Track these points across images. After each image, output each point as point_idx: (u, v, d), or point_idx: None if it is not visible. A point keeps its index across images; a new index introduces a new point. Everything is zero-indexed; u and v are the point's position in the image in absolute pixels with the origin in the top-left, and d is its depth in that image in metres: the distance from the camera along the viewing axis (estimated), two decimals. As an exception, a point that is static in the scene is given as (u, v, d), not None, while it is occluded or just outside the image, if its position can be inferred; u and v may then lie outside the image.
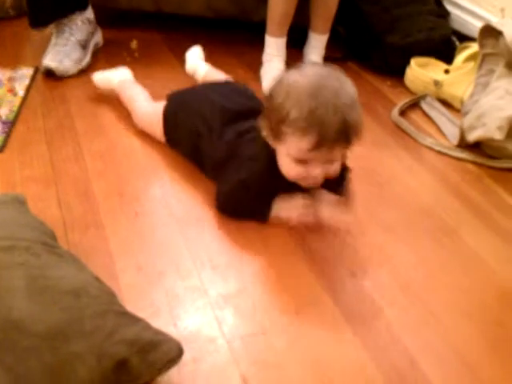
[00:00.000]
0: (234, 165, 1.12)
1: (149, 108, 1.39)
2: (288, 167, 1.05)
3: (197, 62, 1.51)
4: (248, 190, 1.09)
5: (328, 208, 1.12)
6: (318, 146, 0.97)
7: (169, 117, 1.31)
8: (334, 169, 1.05)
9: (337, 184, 1.14)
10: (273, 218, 1.12)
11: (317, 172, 1.02)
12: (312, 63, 1.02)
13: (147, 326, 0.81)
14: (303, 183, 1.07)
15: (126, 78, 1.50)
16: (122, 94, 1.47)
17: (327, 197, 1.14)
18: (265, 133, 1.06)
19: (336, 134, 0.96)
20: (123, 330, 0.76)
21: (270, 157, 1.08)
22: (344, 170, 1.15)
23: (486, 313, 0.98)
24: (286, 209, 1.11)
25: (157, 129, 1.34)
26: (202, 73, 1.49)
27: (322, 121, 0.95)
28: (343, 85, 0.99)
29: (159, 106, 1.34)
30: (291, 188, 1.11)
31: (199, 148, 1.23)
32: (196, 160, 1.27)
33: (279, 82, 1.02)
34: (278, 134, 1.01)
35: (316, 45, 1.64)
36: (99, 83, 1.53)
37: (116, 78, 1.50)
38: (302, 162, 1.02)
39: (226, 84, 1.37)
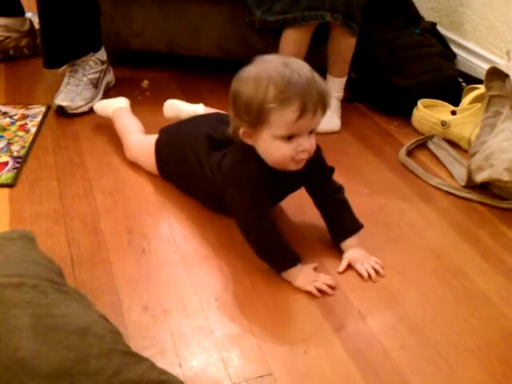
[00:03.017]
0: (224, 183, 1.12)
1: (141, 140, 1.43)
2: (277, 150, 1.04)
3: (184, 108, 1.52)
4: (246, 190, 1.08)
5: (362, 263, 1.13)
6: (303, 112, 0.99)
7: (160, 150, 1.35)
8: (314, 144, 1.07)
9: (323, 185, 1.18)
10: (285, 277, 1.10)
11: (305, 144, 1.04)
12: (266, 55, 1.06)
13: (152, 366, 0.80)
14: (291, 165, 1.06)
15: (121, 106, 1.54)
16: (116, 122, 1.51)
17: (354, 253, 1.15)
18: (241, 131, 1.06)
19: (316, 97, 1.00)
20: (128, 370, 0.76)
21: (247, 154, 1.08)
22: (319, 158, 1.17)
23: (494, 353, 0.97)
24: (303, 280, 1.09)
25: (148, 161, 1.37)
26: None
27: (300, 87, 0.99)
28: (303, 62, 1.05)
29: (150, 139, 1.37)
30: (279, 180, 1.12)
31: (190, 177, 1.26)
32: (189, 190, 1.31)
33: (240, 78, 1.04)
34: (260, 120, 1.01)
35: (333, 87, 1.66)
36: (98, 110, 1.59)
37: (112, 105, 1.55)
38: (289, 137, 1.02)
39: (213, 115, 1.40)
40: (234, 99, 1.06)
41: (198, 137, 1.24)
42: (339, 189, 1.21)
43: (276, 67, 1.01)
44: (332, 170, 1.20)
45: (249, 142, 1.07)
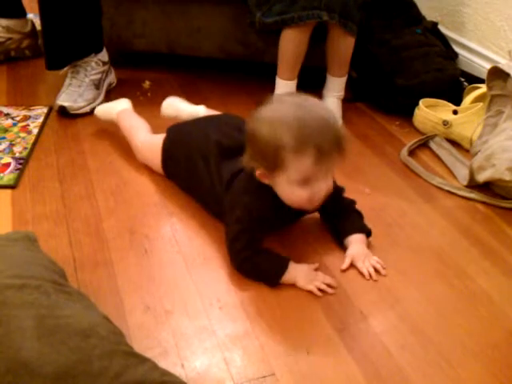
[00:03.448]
0: (231, 205, 1.13)
1: (148, 139, 1.42)
2: (293, 194, 1.05)
3: (185, 109, 1.53)
4: (247, 225, 1.09)
5: (363, 261, 1.14)
6: (319, 158, 0.99)
7: (167, 150, 1.34)
8: (331, 184, 1.08)
9: (333, 204, 1.18)
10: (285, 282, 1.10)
11: (322, 188, 1.05)
12: (282, 94, 1.04)
13: (154, 367, 0.80)
14: (308, 206, 1.08)
15: (124, 108, 1.53)
16: (122, 124, 1.50)
17: (356, 250, 1.15)
18: (258, 172, 1.07)
19: (331, 142, 1.00)
20: (130, 371, 0.76)
21: (262, 187, 1.09)
22: (338, 191, 1.20)
23: (496, 354, 0.97)
24: (304, 280, 1.09)
25: (155, 161, 1.37)
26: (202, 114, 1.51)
27: (316, 133, 0.98)
28: (319, 102, 1.05)
29: (158, 138, 1.37)
30: (291, 215, 1.14)
31: (196, 181, 1.25)
32: (193, 193, 1.30)
33: (256, 120, 1.03)
34: (276, 165, 1.02)
35: (333, 87, 1.67)
36: (100, 115, 1.57)
37: (115, 108, 1.54)
38: (305, 182, 1.03)
39: (222, 117, 1.39)
40: (250, 141, 1.05)
41: (208, 143, 1.23)
42: (350, 203, 1.22)
43: (291, 111, 1.00)
44: (342, 189, 1.22)
45: (265, 182, 1.08)
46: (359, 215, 1.22)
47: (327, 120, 1.01)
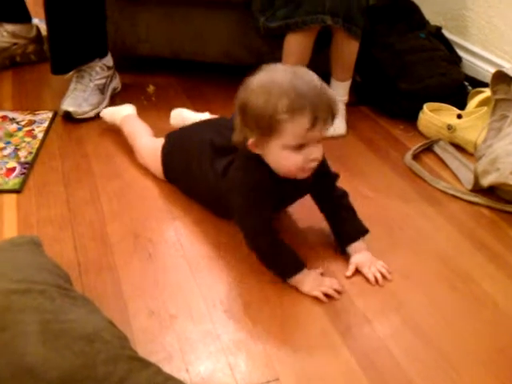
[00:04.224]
0: (228, 187, 1.13)
1: (149, 144, 1.43)
2: (286, 160, 1.05)
3: (191, 117, 1.54)
4: (248, 198, 1.09)
5: (369, 267, 1.13)
6: (314, 122, 1.00)
7: (166, 155, 1.35)
8: (321, 152, 1.07)
9: (328, 192, 1.19)
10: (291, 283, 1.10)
11: (315, 153, 1.05)
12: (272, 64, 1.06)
13: (159, 371, 0.81)
14: (301, 174, 1.07)
15: (129, 114, 1.55)
16: (125, 129, 1.52)
17: (361, 257, 1.15)
18: (250, 142, 1.06)
19: (326, 107, 1.01)
20: (135, 376, 0.76)
21: (253, 161, 1.09)
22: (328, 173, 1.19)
23: (502, 358, 0.96)
24: (310, 285, 1.08)
25: (156, 165, 1.38)
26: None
27: (311, 97, 0.99)
28: (310, 71, 1.05)
29: (158, 143, 1.38)
30: (288, 189, 1.14)
31: (194, 182, 1.27)
32: (194, 195, 1.32)
33: (249, 89, 1.03)
34: (271, 130, 1.01)
35: (337, 91, 1.67)
36: (105, 117, 1.60)
37: (121, 112, 1.56)
38: (300, 147, 1.03)
39: (218, 120, 1.40)
40: (242, 110, 1.05)
41: (202, 145, 1.24)
42: (343, 195, 1.21)
43: (285, 77, 1.00)
44: (336, 176, 1.21)
45: (256, 151, 1.07)
46: (354, 214, 1.20)
47: (321, 86, 1.02)
